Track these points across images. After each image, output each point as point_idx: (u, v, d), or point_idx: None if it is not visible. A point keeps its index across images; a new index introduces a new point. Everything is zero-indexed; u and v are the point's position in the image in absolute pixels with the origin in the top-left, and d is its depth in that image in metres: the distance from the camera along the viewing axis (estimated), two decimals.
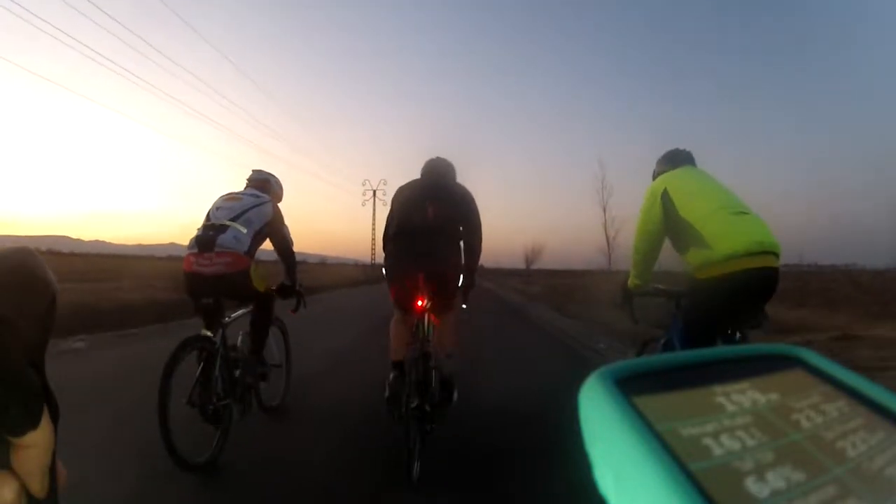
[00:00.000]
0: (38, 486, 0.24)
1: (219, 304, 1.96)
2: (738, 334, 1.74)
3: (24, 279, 0.26)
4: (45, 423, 0.25)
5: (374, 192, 32.59)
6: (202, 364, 1.86)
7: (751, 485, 0.13)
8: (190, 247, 1.99)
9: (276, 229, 2.18)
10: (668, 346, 1.94)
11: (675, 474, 0.13)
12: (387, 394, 1.87)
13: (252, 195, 2.16)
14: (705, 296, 1.66)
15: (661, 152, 2.01)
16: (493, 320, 7.74)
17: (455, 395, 1.96)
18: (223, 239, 1.94)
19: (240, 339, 2.15)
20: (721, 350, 0.20)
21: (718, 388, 0.17)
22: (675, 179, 1.78)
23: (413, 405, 1.75)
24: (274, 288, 2.27)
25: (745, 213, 1.66)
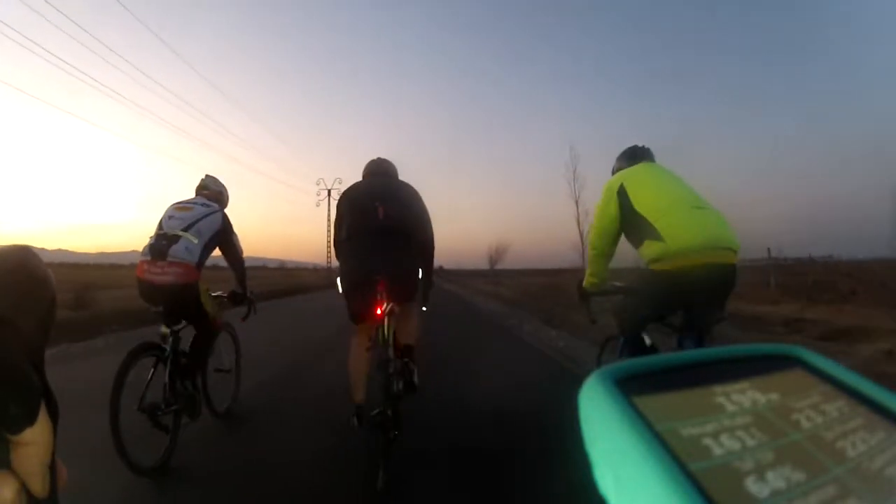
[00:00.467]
0: (38, 485, 0.24)
1: (171, 312, 1.99)
2: (698, 331, 1.70)
3: (24, 279, 0.26)
4: (44, 421, 0.25)
5: (329, 191, 28.97)
6: (152, 370, 1.88)
7: (751, 485, 0.13)
8: (143, 254, 2.03)
9: (225, 239, 2.21)
10: (624, 342, 1.93)
11: (675, 474, 0.13)
12: (354, 423, 1.82)
13: (203, 204, 2.19)
14: (657, 287, 1.64)
15: (634, 142, 1.98)
16: (470, 348, 4.80)
17: (416, 380, 1.88)
18: (175, 249, 1.98)
19: (181, 346, 2.07)
20: (721, 350, 0.20)
21: (718, 388, 0.17)
22: (632, 175, 1.76)
23: (375, 412, 1.72)
24: (225, 296, 2.32)
25: (702, 207, 1.63)
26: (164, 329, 1.96)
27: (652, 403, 0.16)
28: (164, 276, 1.94)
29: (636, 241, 1.71)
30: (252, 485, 1.70)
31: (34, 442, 0.24)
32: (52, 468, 0.26)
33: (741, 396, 0.17)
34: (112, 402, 1.66)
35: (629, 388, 0.16)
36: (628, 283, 1.91)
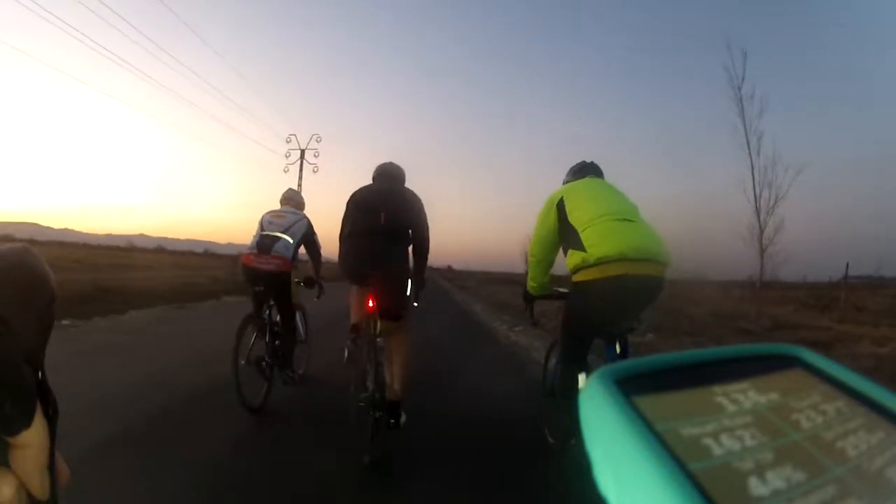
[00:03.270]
0: (37, 486, 0.24)
1: (268, 292, 2.66)
2: (616, 340, 1.75)
3: (23, 279, 0.26)
4: (40, 422, 0.25)
5: (303, 152, 21.21)
6: (255, 334, 2.57)
7: (751, 485, 0.13)
8: (251, 248, 2.69)
9: (310, 239, 2.92)
10: (559, 351, 2.02)
11: (675, 474, 0.13)
12: (345, 355, 2.01)
13: (292, 213, 2.90)
14: (579, 299, 1.72)
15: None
16: None
17: (403, 418, 2.08)
18: (277, 246, 2.65)
19: (277, 318, 2.78)
20: (721, 350, 0.20)
21: (718, 388, 0.17)
22: (572, 189, 1.86)
23: (364, 394, 1.90)
24: (301, 281, 2.97)
25: (629, 220, 1.68)
26: (257, 296, 2.64)
27: (652, 403, 0.16)
28: (268, 265, 2.61)
29: (565, 251, 1.80)
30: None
31: (31, 444, 0.24)
32: (52, 469, 0.26)
33: (741, 396, 0.17)
34: (234, 357, 2.33)
35: (629, 388, 0.16)
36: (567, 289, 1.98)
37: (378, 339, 2.04)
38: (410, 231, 2.11)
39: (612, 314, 1.69)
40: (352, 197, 2.19)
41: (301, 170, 21.48)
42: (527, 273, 2.06)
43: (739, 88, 8.64)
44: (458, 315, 9.40)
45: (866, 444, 0.15)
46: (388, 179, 2.23)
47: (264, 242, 2.66)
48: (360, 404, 1.88)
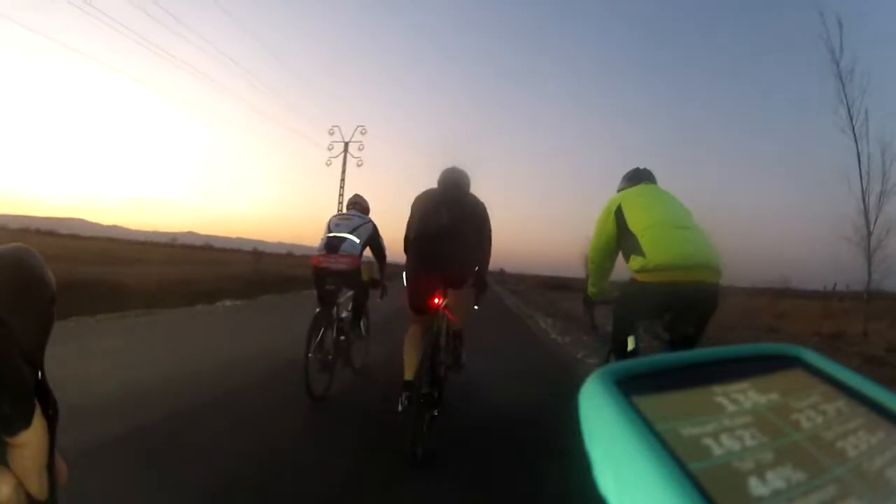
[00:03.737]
0: (35, 486, 0.24)
1: (337, 290, 2.86)
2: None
3: (22, 278, 0.26)
4: (39, 422, 0.25)
5: (347, 144, 20.26)
6: (323, 329, 2.74)
7: (751, 485, 0.13)
8: (319, 249, 2.89)
9: (375, 241, 3.07)
10: (613, 346, 2.08)
11: (675, 474, 0.13)
12: (400, 408, 2.02)
13: (357, 216, 3.10)
14: (635, 292, 1.78)
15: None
16: None
17: (463, 359, 2.21)
18: (344, 246, 2.85)
19: (345, 314, 3.02)
20: (721, 350, 0.20)
21: (718, 388, 0.17)
22: (629, 196, 1.91)
23: (424, 391, 1.98)
24: (368, 280, 3.18)
25: (685, 227, 1.75)
26: (327, 294, 2.83)
27: (652, 403, 0.16)
28: (337, 264, 2.80)
29: (626, 256, 1.85)
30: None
31: (30, 444, 0.24)
32: (51, 468, 0.26)
33: (741, 396, 0.17)
34: (305, 351, 2.55)
35: (629, 388, 0.16)
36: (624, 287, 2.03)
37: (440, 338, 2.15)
38: (473, 235, 2.22)
39: (664, 314, 1.75)
40: (416, 202, 2.30)
41: (344, 163, 20.48)
42: (587, 278, 2.13)
43: (838, 63, 7.36)
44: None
45: (866, 444, 0.15)
46: (454, 185, 2.30)
47: (332, 243, 2.86)
48: (420, 400, 1.97)
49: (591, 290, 2.11)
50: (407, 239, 2.27)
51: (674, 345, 1.76)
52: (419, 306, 2.16)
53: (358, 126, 21.22)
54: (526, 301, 15.11)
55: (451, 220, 2.12)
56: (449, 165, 2.36)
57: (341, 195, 19.72)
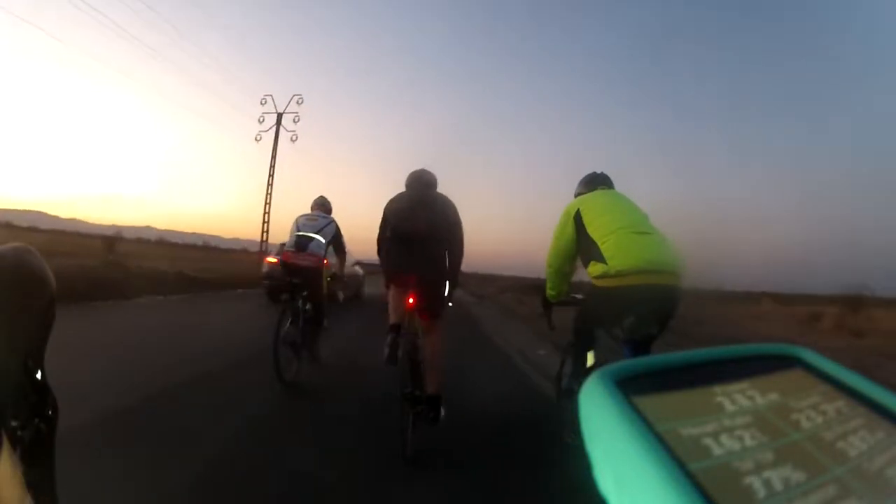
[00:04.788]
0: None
1: (303, 284, 3.07)
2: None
3: (23, 278, 0.26)
4: (6, 458, 0.24)
5: (280, 116, 17.44)
6: (290, 319, 2.96)
7: (751, 485, 0.13)
8: (288, 246, 3.17)
9: (338, 241, 3.36)
10: (569, 347, 2.15)
11: (675, 474, 0.13)
12: (386, 353, 2.09)
13: (322, 216, 3.36)
14: (596, 301, 1.82)
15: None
16: None
17: (442, 413, 2.16)
18: (311, 246, 3.13)
19: (308, 307, 3.20)
20: (721, 350, 0.20)
21: (718, 388, 0.17)
22: (587, 201, 1.93)
23: (407, 390, 2.06)
24: (329, 277, 3.43)
25: (645, 232, 1.77)
26: (293, 288, 3.06)
27: (652, 403, 0.16)
28: (305, 261, 3.07)
29: (585, 262, 1.88)
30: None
31: None
32: (51, 467, 0.26)
33: (741, 396, 0.17)
34: (274, 338, 2.76)
35: (629, 388, 0.16)
36: (584, 295, 2.10)
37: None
38: (446, 235, 2.26)
39: (626, 317, 1.77)
40: (390, 204, 2.37)
41: (277, 137, 17.42)
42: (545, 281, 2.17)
43: None
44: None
45: (866, 444, 0.15)
46: (423, 186, 2.37)
47: (301, 242, 3.13)
48: (404, 400, 2.03)
49: (549, 293, 2.16)
50: (382, 238, 2.32)
51: (635, 345, 1.79)
52: (396, 306, 2.23)
53: (294, 95, 18.11)
54: (502, 312, 10.68)
55: (425, 222, 2.18)
56: (422, 169, 2.43)
57: (271, 175, 17.22)
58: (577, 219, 1.87)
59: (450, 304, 2.38)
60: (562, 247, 1.95)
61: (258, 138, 17.79)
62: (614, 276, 1.68)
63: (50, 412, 0.26)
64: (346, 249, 3.60)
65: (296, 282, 3.05)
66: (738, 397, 0.17)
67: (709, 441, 0.14)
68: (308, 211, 3.51)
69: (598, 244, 1.75)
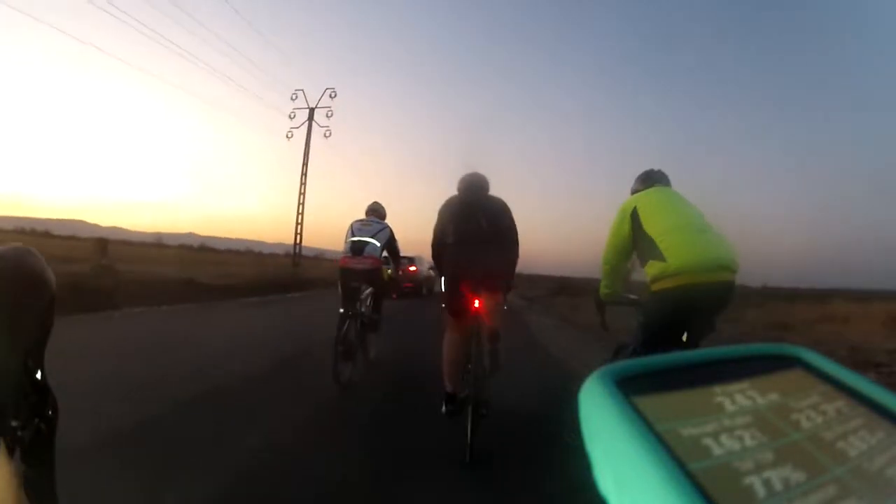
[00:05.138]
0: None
1: (363, 287, 3.27)
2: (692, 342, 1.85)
3: (23, 279, 0.26)
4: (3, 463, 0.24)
5: (312, 111, 16.89)
6: (348, 323, 3.06)
7: (751, 485, 0.13)
8: (345, 252, 3.31)
9: (392, 244, 3.50)
10: (634, 353, 2.07)
11: (675, 474, 0.13)
12: (443, 411, 2.14)
13: (376, 222, 3.49)
14: (658, 306, 1.80)
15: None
16: None
17: (500, 361, 2.28)
18: (367, 249, 3.26)
19: (364, 309, 3.35)
20: (721, 350, 0.20)
21: (718, 388, 0.17)
22: (644, 198, 1.93)
23: (465, 394, 2.11)
24: (388, 278, 3.69)
25: (703, 230, 1.78)
26: (352, 292, 3.20)
27: (652, 403, 0.16)
28: (361, 265, 3.21)
29: (643, 260, 1.87)
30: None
31: None
32: (51, 467, 0.26)
33: (741, 396, 0.17)
34: (335, 343, 2.89)
35: (629, 388, 0.16)
36: (640, 296, 2.08)
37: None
38: (506, 236, 2.29)
39: (690, 318, 1.78)
40: (446, 207, 2.40)
41: (309, 133, 16.77)
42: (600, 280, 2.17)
43: None
44: None
45: (866, 444, 0.15)
46: (478, 189, 2.41)
47: (357, 246, 3.27)
48: (470, 405, 2.03)
49: (603, 291, 2.14)
50: (439, 245, 2.33)
51: (692, 343, 1.80)
52: (458, 311, 2.21)
53: (327, 89, 17.51)
54: (563, 322, 8.39)
55: (488, 225, 2.21)
56: (474, 173, 2.45)
57: (304, 174, 16.53)
58: (634, 216, 1.86)
59: (505, 307, 2.40)
60: (618, 244, 1.95)
61: (289, 135, 17.26)
62: (674, 274, 1.68)
63: (50, 412, 0.26)
64: (417, 255, 3.82)
65: (354, 285, 3.18)
66: (738, 397, 0.17)
67: (709, 441, 0.14)
68: (362, 216, 3.63)
69: (657, 242, 1.75)
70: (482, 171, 2.45)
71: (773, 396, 0.17)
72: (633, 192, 2.09)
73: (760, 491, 0.13)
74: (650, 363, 0.18)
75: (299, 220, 16.71)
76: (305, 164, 16.81)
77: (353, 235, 3.34)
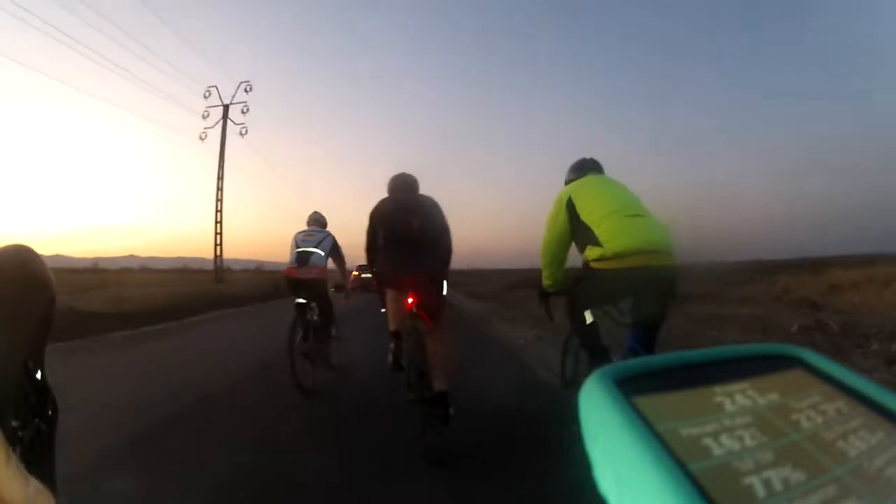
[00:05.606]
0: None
1: (309, 297, 3.25)
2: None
3: (24, 279, 0.26)
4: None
5: (227, 107, 15.50)
6: (301, 332, 3.11)
7: (751, 485, 0.13)
8: (291, 263, 3.33)
9: (336, 252, 3.55)
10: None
11: (675, 474, 0.13)
12: (390, 360, 2.15)
13: (318, 231, 3.53)
14: (594, 282, 1.81)
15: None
16: None
17: (451, 411, 2.09)
18: (312, 259, 3.29)
19: (316, 318, 3.36)
20: (721, 350, 0.20)
21: (718, 388, 0.17)
22: (579, 187, 1.94)
23: (411, 396, 2.09)
24: (333, 287, 3.62)
25: (638, 215, 1.79)
26: (298, 313, 3.21)
27: (652, 403, 0.16)
28: (308, 275, 3.25)
29: (581, 247, 1.89)
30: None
31: None
32: (51, 467, 0.26)
33: (741, 396, 0.17)
34: (288, 349, 2.93)
35: (629, 388, 0.16)
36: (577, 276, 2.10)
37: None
38: (438, 237, 2.31)
39: (625, 300, 1.80)
40: (377, 210, 2.42)
41: (224, 132, 15.10)
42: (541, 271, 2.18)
43: None
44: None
45: (866, 444, 0.15)
46: (407, 190, 2.45)
47: (301, 257, 3.31)
48: (412, 402, 2.06)
49: (545, 282, 2.16)
50: (374, 246, 2.36)
51: (638, 327, 1.82)
52: (395, 312, 2.26)
53: (241, 83, 15.99)
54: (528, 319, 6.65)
55: (417, 224, 2.23)
56: (402, 173, 2.49)
57: (220, 178, 15.06)
58: (570, 206, 1.88)
59: (442, 300, 2.40)
60: (556, 235, 1.96)
61: (203, 136, 15.63)
62: (611, 258, 1.70)
63: (50, 412, 0.26)
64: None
65: (301, 295, 3.22)
66: (738, 397, 0.17)
67: (709, 441, 0.14)
68: (305, 227, 3.70)
69: (593, 229, 1.76)
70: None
71: (773, 396, 0.17)
72: (567, 182, 2.10)
73: (760, 491, 0.13)
74: (650, 363, 0.18)
75: (218, 230, 14.92)
76: (221, 166, 15.30)
77: (298, 246, 3.41)
